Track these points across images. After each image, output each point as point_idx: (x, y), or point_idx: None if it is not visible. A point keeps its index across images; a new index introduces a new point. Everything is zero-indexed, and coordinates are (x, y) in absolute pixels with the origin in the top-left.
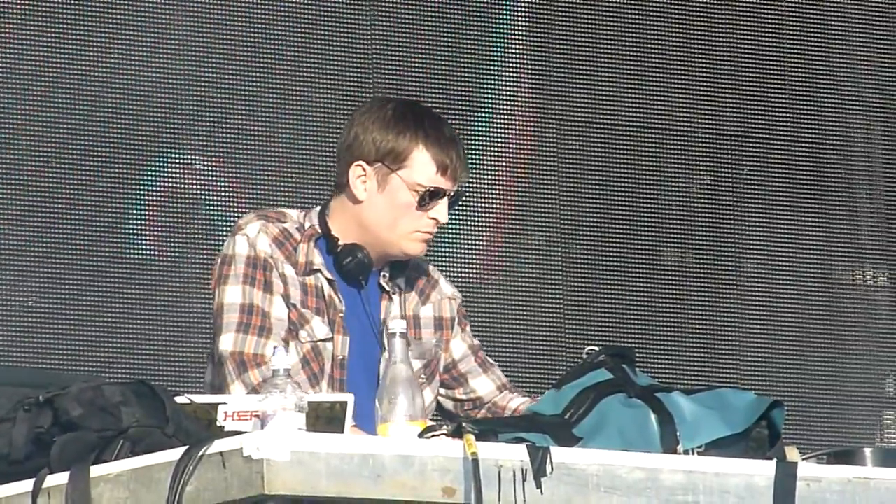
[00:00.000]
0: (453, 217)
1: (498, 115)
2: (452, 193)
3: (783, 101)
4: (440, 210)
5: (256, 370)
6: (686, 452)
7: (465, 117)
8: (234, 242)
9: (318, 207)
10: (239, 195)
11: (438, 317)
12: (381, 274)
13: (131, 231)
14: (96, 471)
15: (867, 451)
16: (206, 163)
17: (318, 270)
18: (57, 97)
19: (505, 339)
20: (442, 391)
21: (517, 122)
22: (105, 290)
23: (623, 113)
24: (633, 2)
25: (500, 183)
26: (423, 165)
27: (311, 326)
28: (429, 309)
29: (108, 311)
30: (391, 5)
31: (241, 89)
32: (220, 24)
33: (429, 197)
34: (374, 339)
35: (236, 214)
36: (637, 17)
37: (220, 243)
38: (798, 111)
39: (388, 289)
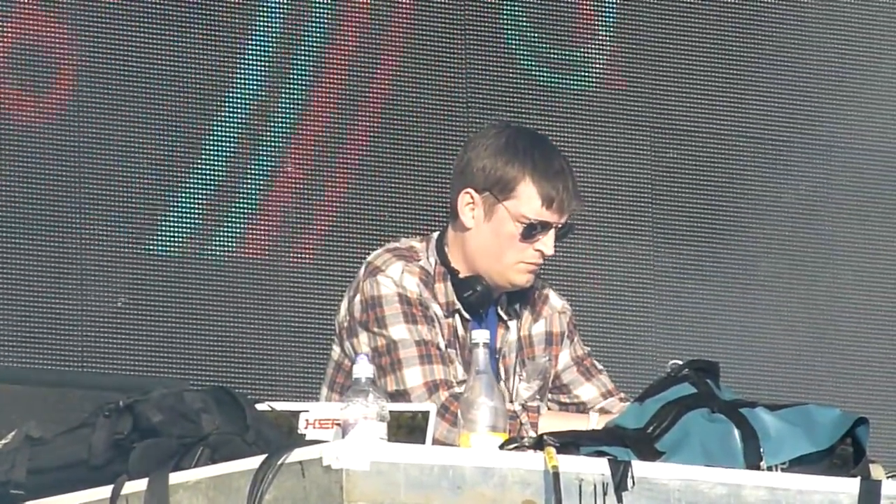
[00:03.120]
0: None
1: (590, 123)
2: (560, 225)
3: (882, 107)
4: (546, 242)
5: (447, 391)
6: (769, 468)
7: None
8: (378, 284)
9: (436, 236)
10: (324, 205)
11: (549, 332)
12: (498, 303)
13: (219, 236)
14: (175, 478)
15: None
16: (298, 168)
17: (458, 311)
18: (145, 91)
19: (591, 350)
20: (549, 396)
21: (609, 129)
22: (190, 296)
23: (718, 120)
24: (728, 5)
25: (592, 190)
26: (528, 198)
27: (455, 368)
28: (540, 325)
29: (192, 317)
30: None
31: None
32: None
33: (534, 229)
34: (493, 372)
35: (323, 227)
36: (734, 20)
37: (308, 253)
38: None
39: (504, 318)
